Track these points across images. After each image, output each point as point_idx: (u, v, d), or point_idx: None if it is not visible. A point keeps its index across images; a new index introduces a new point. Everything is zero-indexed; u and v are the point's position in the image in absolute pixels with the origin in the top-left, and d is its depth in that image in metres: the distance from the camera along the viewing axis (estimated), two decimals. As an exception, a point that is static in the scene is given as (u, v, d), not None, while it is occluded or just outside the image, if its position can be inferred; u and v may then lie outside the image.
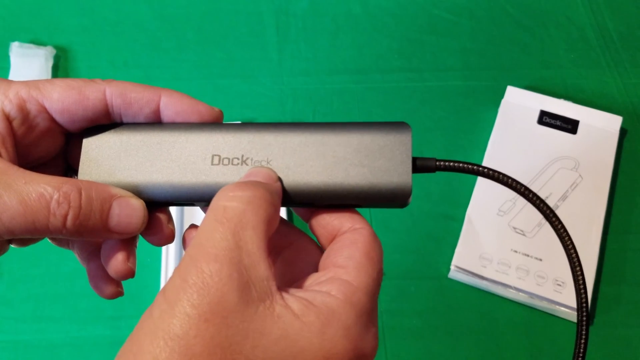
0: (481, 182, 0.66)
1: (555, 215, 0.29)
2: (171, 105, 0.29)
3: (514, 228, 0.63)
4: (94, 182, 0.27)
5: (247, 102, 0.73)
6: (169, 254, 0.61)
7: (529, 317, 0.61)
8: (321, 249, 0.30)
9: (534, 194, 0.29)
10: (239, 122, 0.30)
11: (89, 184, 0.27)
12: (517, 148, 0.67)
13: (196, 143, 0.29)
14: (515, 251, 0.62)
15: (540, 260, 0.61)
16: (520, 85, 0.71)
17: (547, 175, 0.66)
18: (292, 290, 0.25)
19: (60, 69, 0.74)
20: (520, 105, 0.70)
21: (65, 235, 0.26)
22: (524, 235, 0.62)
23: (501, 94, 0.71)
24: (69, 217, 0.26)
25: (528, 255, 0.61)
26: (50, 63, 0.73)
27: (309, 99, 0.73)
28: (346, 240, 0.27)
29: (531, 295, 0.60)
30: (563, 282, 0.60)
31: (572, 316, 0.60)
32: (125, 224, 0.27)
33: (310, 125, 0.29)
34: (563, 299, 0.59)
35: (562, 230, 0.29)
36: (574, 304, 0.59)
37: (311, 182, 0.28)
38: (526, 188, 0.29)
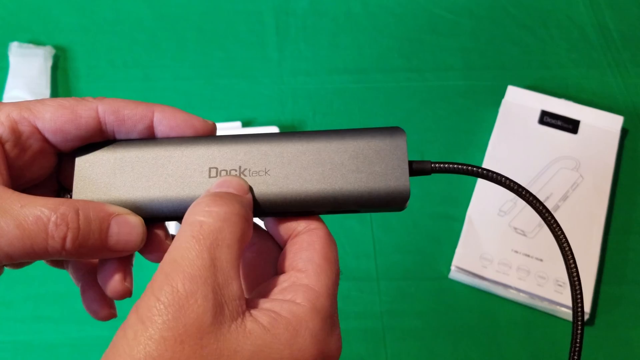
0: (482, 183, 0.66)
1: (548, 212, 0.29)
2: (165, 120, 0.29)
3: (515, 228, 0.63)
4: (90, 201, 0.27)
5: (247, 102, 0.72)
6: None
7: (530, 317, 0.61)
8: (279, 246, 0.30)
9: (528, 192, 0.29)
10: (233, 134, 0.30)
11: (86, 203, 0.26)
12: (517, 148, 0.67)
13: (192, 156, 0.29)
14: (516, 251, 0.62)
15: (541, 260, 0.61)
16: (521, 85, 0.71)
17: (548, 175, 0.65)
18: (259, 302, 0.25)
19: (59, 68, 0.74)
20: (521, 105, 0.70)
21: (64, 256, 0.26)
22: (524, 235, 0.62)
23: (502, 94, 0.71)
24: (68, 239, 0.25)
25: (529, 256, 0.61)
26: (50, 63, 0.72)
27: (309, 99, 0.73)
28: (303, 242, 0.28)
29: (532, 295, 0.60)
30: (564, 283, 0.60)
31: (573, 317, 0.59)
32: (125, 242, 0.27)
33: (305, 134, 0.29)
34: (564, 300, 0.59)
35: (555, 226, 0.29)
36: (575, 305, 0.59)
37: (310, 190, 0.28)
38: (519, 186, 0.29)
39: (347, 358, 0.58)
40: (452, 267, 0.62)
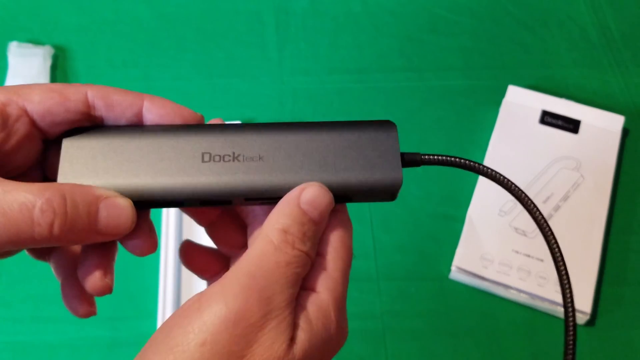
0: (482, 182, 0.65)
1: (533, 204, 0.30)
2: (154, 108, 0.29)
3: (515, 228, 0.63)
4: (77, 184, 0.26)
5: (247, 102, 0.72)
6: (168, 254, 0.61)
7: (530, 318, 0.61)
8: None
9: (510, 182, 0.30)
10: (225, 123, 0.30)
11: (72, 187, 0.26)
12: (518, 148, 0.67)
13: (184, 142, 0.28)
14: (517, 252, 0.61)
15: (542, 261, 0.61)
16: (521, 85, 0.71)
17: (549, 175, 0.65)
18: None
19: (58, 68, 0.74)
20: (521, 104, 0.69)
21: (52, 243, 0.25)
22: (525, 235, 0.62)
23: (502, 94, 0.70)
24: (55, 225, 0.24)
25: (529, 256, 0.61)
26: (49, 62, 0.72)
27: (309, 98, 0.73)
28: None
29: (532, 296, 0.60)
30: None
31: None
32: (115, 225, 0.26)
33: (299, 124, 0.29)
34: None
35: (540, 218, 0.30)
36: (576, 305, 0.59)
37: (305, 178, 0.28)
38: (503, 177, 0.31)
39: (347, 358, 0.58)
40: (453, 268, 0.61)
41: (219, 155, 0.28)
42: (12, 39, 0.73)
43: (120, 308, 0.60)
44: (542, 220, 0.30)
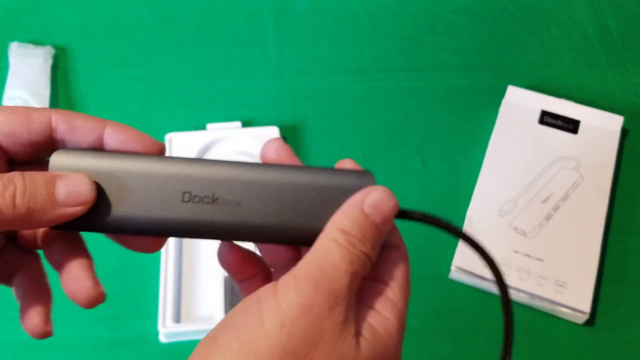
0: (482, 182, 0.65)
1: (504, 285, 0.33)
2: (116, 134, 0.29)
3: (515, 228, 0.63)
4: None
5: (247, 102, 0.72)
6: (169, 254, 0.61)
7: (530, 317, 0.61)
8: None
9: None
10: (207, 159, 0.31)
11: (31, 171, 0.27)
12: (518, 148, 0.67)
13: (167, 176, 0.29)
14: (516, 252, 0.62)
15: (541, 260, 0.61)
16: (521, 85, 0.71)
17: (548, 175, 0.65)
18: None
19: (59, 68, 0.74)
20: (521, 105, 0.70)
21: (17, 220, 0.26)
22: (524, 235, 0.62)
23: (502, 94, 0.71)
24: (17, 196, 0.26)
25: (529, 256, 0.61)
26: (49, 63, 0.72)
27: (309, 98, 0.73)
28: (390, 256, 0.30)
29: (532, 295, 0.60)
30: (564, 283, 0.60)
31: (574, 317, 0.59)
32: (75, 193, 0.27)
33: (283, 168, 0.30)
34: (564, 300, 0.59)
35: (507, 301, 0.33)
36: (575, 305, 0.59)
37: (283, 227, 0.29)
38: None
39: (347, 358, 0.58)
40: (452, 267, 0.62)
41: (199, 197, 0.29)
42: (12, 39, 0.73)
43: (121, 308, 0.60)
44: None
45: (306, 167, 0.30)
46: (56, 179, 0.27)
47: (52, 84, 0.72)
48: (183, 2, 0.79)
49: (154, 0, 0.79)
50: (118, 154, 0.29)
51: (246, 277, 0.33)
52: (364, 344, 0.26)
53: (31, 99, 0.69)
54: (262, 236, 0.29)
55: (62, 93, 0.72)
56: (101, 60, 0.75)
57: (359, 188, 0.29)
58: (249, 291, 0.32)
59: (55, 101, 0.71)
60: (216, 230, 0.29)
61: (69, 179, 0.28)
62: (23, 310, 0.31)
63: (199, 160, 0.30)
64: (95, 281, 0.29)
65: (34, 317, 0.31)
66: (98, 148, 0.30)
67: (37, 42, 0.74)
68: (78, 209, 0.28)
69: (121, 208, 0.29)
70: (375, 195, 0.29)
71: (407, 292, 0.29)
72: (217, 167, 0.29)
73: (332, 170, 0.30)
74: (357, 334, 0.26)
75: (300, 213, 0.29)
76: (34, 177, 0.27)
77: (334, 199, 0.29)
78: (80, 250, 0.30)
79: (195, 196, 0.29)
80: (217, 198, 0.29)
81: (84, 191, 0.28)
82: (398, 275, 0.29)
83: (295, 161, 0.31)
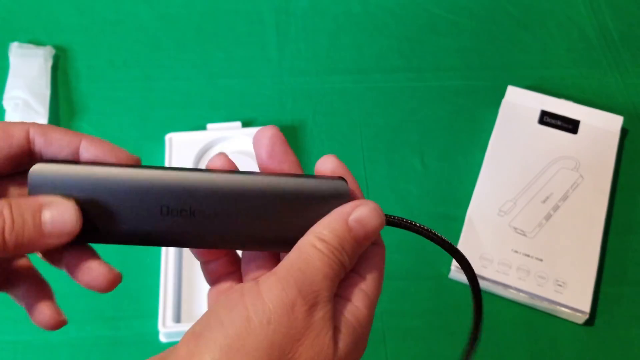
0: (482, 182, 0.66)
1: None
2: (91, 148, 0.30)
3: (515, 228, 0.63)
4: (21, 197, 0.28)
5: (247, 102, 0.72)
6: (169, 254, 0.61)
7: (530, 317, 0.61)
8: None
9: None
10: (185, 167, 0.31)
11: (17, 199, 0.28)
12: (517, 148, 0.67)
13: (145, 190, 0.29)
14: (516, 251, 0.62)
15: (541, 260, 0.61)
16: (520, 85, 0.71)
17: (548, 175, 0.65)
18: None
19: (59, 68, 0.74)
20: (520, 105, 0.70)
21: (7, 251, 0.27)
22: (524, 235, 0.62)
23: (502, 94, 0.71)
24: (6, 231, 0.26)
25: (529, 256, 0.61)
26: (50, 63, 0.73)
27: (309, 98, 0.73)
28: (368, 251, 0.31)
29: (532, 295, 0.60)
30: (564, 283, 0.60)
31: (573, 317, 0.59)
32: (60, 224, 0.28)
33: (256, 177, 0.30)
34: (564, 300, 0.59)
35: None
36: (575, 305, 0.59)
37: (262, 235, 0.30)
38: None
39: (347, 358, 0.58)
40: (452, 267, 0.62)
41: (177, 210, 0.29)
42: (13, 40, 0.73)
43: (121, 308, 0.60)
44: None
45: (280, 175, 0.30)
46: (43, 208, 0.28)
47: (52, 84, 0.72)
48: (183, 2, 0.79)
49: (154, 0, 0.79)
50: (96, 165, 0.30)
51: (211, 258, 0.33)
52: (340, 337, 0.28)
53: (31, 99, 0.69)
54: (239, 244, 0.31)
55: (62, 93, 0.72)
56: (101, 60, 0.75)
57: (331, 196, 0.30)
58: (214, 273, 0.33)
59: (56, 101, 0.71)
60: (193, 241, 0.30)
61: (54, 208, 0.28)
62: (31, 309, 0.31)
63: (175, 171, 0.30)
64: (109, 266, 0.30)
65: (45, 310, 0.31)
66: (75, 160, 0.30)
67: (37, 42, 0.74)
68: (64, 239, 0.28)
69: (102, 224, 0.29)
70: (363, 211, 0.29)
71: (379, 286, 0.31)
72: (193, 178, 0.30)
73: (306, 177, 0.30)
74: (335, 328, 0.28)
75: (275, 221, 0.30)
76: (21, 208, 0.27)
77: (307, 207, 0.30)
78: (81, 245, 0.31)
79: (173, 210, 0.29)
80: (194, 211, 0.29)
81: (69, 222, 0.28)
82: (373, 269, 0.31)
83: (288, 151, 0.31)
